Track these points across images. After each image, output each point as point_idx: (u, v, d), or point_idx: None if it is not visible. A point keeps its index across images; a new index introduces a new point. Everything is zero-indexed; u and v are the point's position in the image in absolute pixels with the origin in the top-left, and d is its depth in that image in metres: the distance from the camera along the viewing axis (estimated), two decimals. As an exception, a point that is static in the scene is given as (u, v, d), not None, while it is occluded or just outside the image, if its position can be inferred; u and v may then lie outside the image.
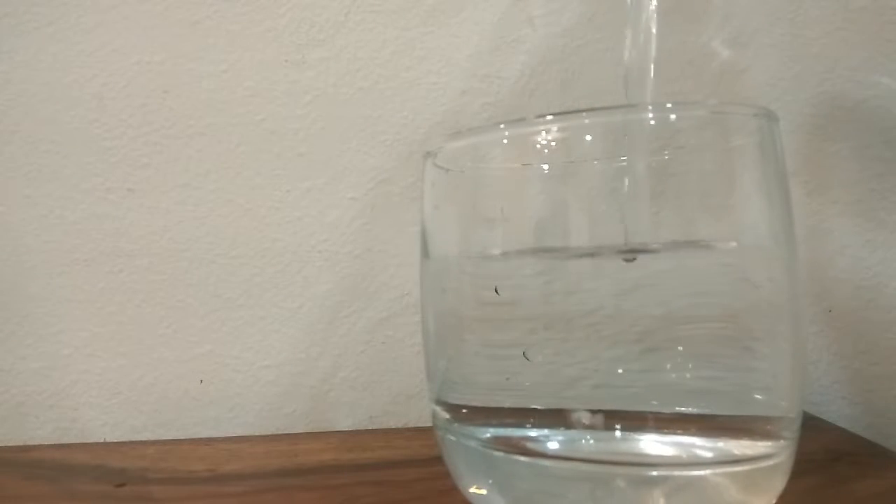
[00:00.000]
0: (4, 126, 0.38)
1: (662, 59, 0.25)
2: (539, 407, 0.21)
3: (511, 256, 0.22)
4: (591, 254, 0.21)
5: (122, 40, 0.38)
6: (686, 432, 0.20)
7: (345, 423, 0.39)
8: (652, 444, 0.20)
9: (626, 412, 0.21)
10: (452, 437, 0.23)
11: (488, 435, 0.22)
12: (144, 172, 0.38)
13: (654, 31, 0.25)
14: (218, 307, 0.39)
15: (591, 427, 0.20)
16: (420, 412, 0.39)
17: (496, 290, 0.21)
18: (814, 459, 0.28)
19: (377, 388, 0.39)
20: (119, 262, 0.39)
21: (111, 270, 0.39)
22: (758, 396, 0.21)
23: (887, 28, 0.35)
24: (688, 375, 0.20)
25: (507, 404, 0.22)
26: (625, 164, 0.23)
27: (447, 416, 0.23)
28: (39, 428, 0.39)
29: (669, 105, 0.20)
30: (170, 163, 0.38)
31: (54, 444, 0.37)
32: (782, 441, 0.20)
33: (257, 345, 0.39)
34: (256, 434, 0.38)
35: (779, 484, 0.21)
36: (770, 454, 0.20)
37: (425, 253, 0.25)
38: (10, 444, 0.38)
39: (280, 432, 0.39)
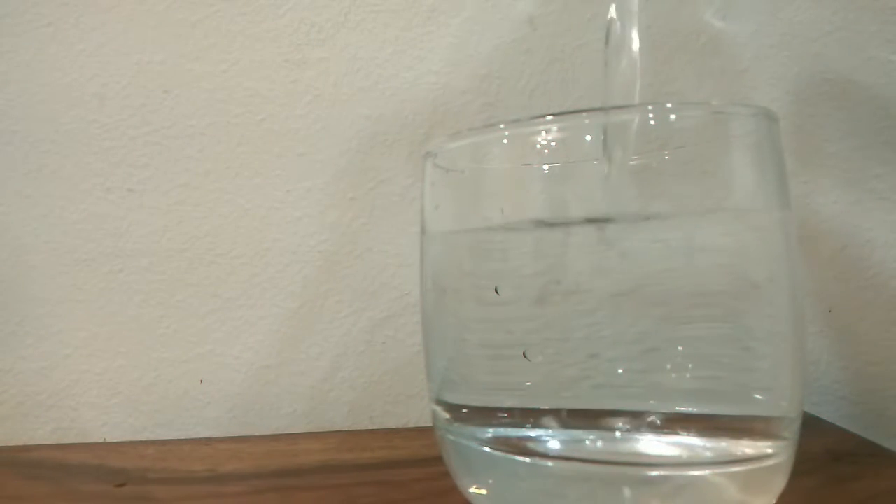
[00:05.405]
0: (4, 126, 0.38)
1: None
2: (539, 407, 0.21)
3: (511, 256, 0.22)
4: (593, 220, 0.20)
5: (122, 40, 0.38)
6: (686, 432, 0.20)
7: (345, 423, 0.39)
8: (652, 444, 0.20)
9: (626, 412, 0.21)
10: (452, 437, 0.23)
11: (488, 435, 0.22)
12: (144, 172, 0.38)
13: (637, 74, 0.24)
14: (218, 307, 0.39)
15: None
16: (420, 412, 0.39)
17: (496, 290, 0.21)
18: (814, 459, 0.28)
19: (377, 388, 0.39)
20: (119, 262, 0.39)
21: (111, 270, 0.39)
22: (758, 396, 0.21)
23: (887, 28, 0.35)
24: (688, 375, 0.20)
25: (507, 404, 0.22)
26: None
27: (447, 416, 0.23)
28: (39, 428, 0.39)
29: (669, 105, 0.20)
30: (170, 163, 0.38)
31: (54, 444, 0.37)
32: (782, 441, 0.20)
33: (257, 345, 0.39)
34: (256, 434, 0.38)
35: (779, 484, 0.21)
36: (770, 454, 0.20)
37: (425, 253, 0.25)
38: (10, 444, 0.38)
39: (280, 432, 0.39)
